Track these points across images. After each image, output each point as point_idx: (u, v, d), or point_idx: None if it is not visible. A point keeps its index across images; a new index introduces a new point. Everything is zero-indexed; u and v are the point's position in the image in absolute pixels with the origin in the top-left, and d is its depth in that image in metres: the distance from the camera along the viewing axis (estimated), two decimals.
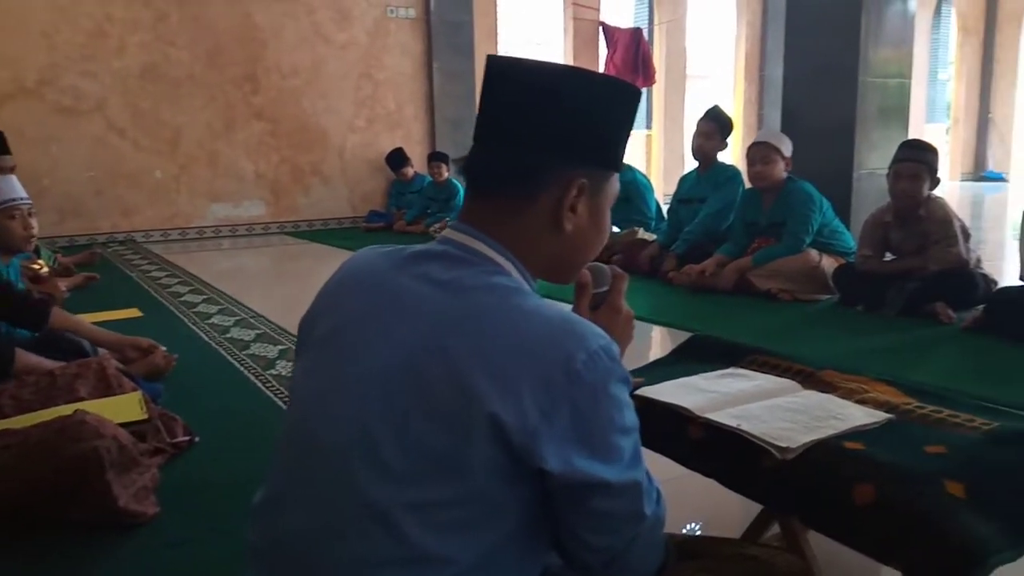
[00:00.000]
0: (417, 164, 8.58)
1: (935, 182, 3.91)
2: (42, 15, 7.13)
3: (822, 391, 1.54)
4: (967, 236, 3.91)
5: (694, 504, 1.92)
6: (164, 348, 3.01)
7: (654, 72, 11.07)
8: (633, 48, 10.82)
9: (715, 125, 5.07)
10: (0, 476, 1.86)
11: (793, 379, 1.61)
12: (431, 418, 0.87)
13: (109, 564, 1.78)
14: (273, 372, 3.13)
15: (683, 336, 2.39)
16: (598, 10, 11.10)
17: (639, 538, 0.95)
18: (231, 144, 8.09)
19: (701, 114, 5.18)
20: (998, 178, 13.70)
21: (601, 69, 10.59)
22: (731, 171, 5.19)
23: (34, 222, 3.01)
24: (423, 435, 0.87)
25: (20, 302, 2.82)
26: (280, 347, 3.52)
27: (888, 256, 4.13)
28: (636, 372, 1.70)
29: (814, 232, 4.42)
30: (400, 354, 0.90)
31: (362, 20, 8.57)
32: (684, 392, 1.52)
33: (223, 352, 3.48)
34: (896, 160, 3.95)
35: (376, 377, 0.91)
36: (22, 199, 2.97)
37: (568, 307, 1.06)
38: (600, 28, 11.07)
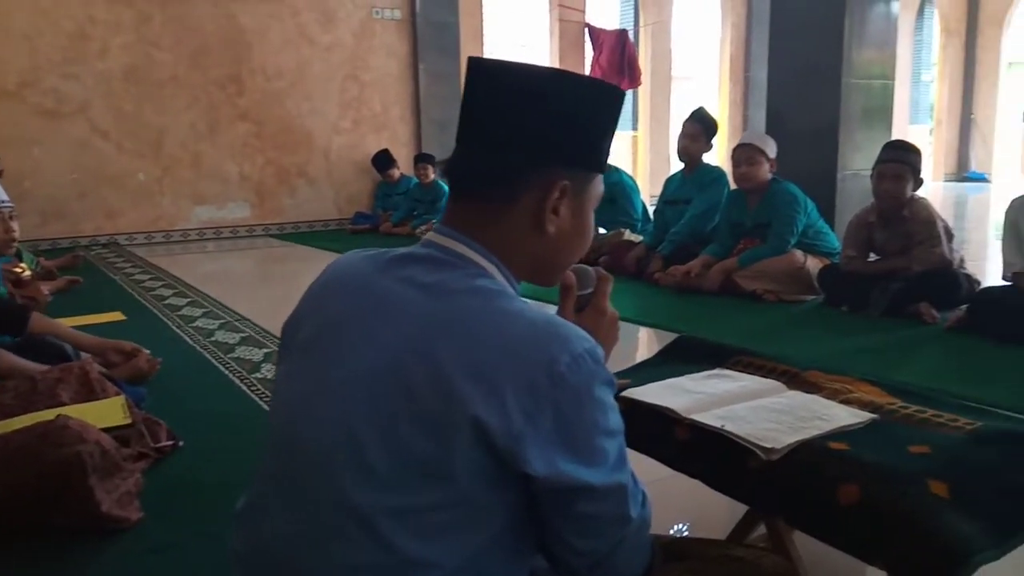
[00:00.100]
0: (403, 166, 8.57)
1: (918, 183, 3.94)
2: (24, 18, 7.08)
3: (807, 392, 1.55)
4: (950, 236, 3.94)
5: (680, 505, 1.92)
6: (148, 352, 2.98)
7: (640, 74, 11.10)
8: (619, 50, 10.85)
9: (700, 127, 5.09)
10: None
11: (778, 380, 1.62)
12: (416, 421, 0.86)
13: (92, 570, 1.76)
14: (258, 376, 3.11)
15: (669, 337, 2.40)
16: (583, 12, 11.13)
17: (625, 541, 0.95)
18: (215, 146, 8.04)
19: (686, 116, 5.19)
20: (981, 179, 13.84)
21: (587, 71, 10.62)
22: (716, 172, 5.21)
23: (15, 225, 2.99)
24: (408, 438, 0.86)
25: None
26: (265, 350, 3.50)
27: (872, 257, 4.16)
28: (622, 373, 1.70)
29: (799, 233, 4.44)
30: (385, 357, 0.90)
31: (347, 21, 8.55)
32: (670, 393, 1.52)
33: (208, 355, 3.46)
34: (880, 161, 3.98)
35: (361, 380, 0.90)
36: (3, 202, 2.95)
37: (553, 309, 1.05)
38: (586, 30, 11.10)
